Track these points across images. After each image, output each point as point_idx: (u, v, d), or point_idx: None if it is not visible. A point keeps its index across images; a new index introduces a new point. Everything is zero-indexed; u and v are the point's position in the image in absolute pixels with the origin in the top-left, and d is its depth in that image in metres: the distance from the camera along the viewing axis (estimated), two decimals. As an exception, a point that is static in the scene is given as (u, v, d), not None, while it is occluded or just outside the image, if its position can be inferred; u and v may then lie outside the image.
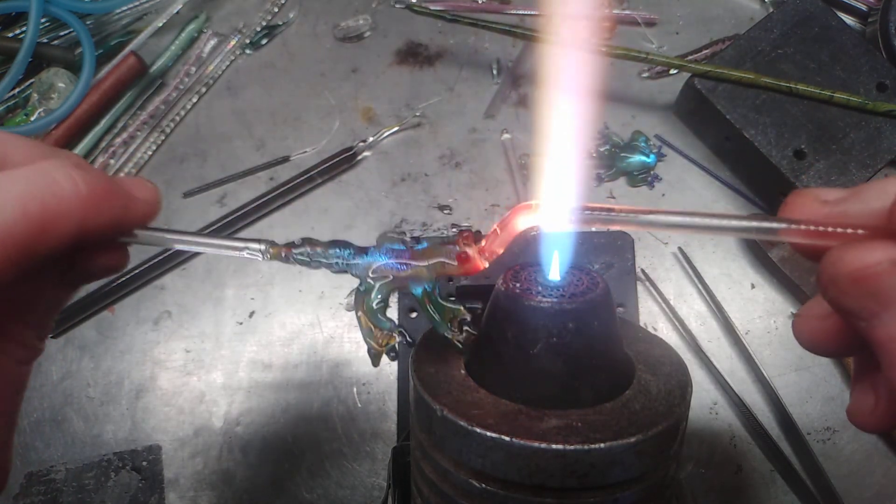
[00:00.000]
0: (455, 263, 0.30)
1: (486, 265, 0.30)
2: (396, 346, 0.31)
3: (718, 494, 0.53)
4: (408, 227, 0.60)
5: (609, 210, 0.26)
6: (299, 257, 0.30)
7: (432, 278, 0.30)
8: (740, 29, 0.61)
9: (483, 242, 0.30)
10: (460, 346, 0.30)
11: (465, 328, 0.30)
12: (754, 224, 0.25)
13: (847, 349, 0.26)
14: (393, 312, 0.57)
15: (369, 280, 0.30)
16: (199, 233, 0.29)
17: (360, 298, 0.30)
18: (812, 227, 0.23)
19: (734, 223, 0.25)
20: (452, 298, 0.31)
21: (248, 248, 0.29)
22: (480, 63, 0.65)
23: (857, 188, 0.24)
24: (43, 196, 0.22)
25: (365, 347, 0.29)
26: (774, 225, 0.24)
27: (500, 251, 0.30)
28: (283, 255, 0.30)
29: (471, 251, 0.30)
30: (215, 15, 0.67)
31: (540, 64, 0.65)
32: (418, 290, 0.30)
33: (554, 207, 0.28)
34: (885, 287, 0.21)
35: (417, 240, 0.30)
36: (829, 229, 0.23)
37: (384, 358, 0.31)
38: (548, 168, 0.30)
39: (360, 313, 0.30)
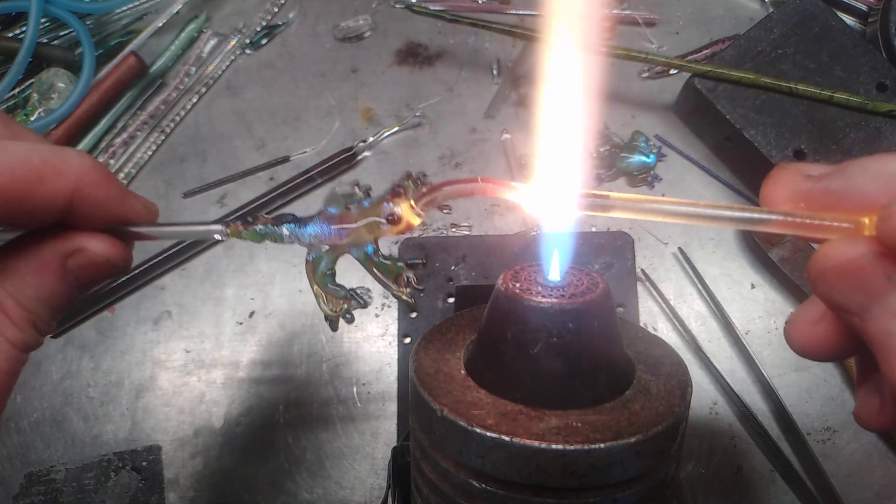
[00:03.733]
0: (386, 213, 0.30)
1: (418, 222, 0.30)
2: (350, 309, 0.32)
3: (718, 494, 0.53)
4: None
5: (596, 196, 0.26)
6: (254, 232, 0.30)
7: (371, 239, 0.31)
8: (740, 29, 0.61)
9: (412, 199, 0.30)
10: (410, 301, 0.31)
11: (411, 284, 0.31)
12: (738, 214, 0.25)
13: (840, 352, 0.26)
14: (393, 312, 0.57)
15: (316, 249, 0.31)
16: (169, 223, 0.30)
17: (310, 267, 0.31)
18: (800, 220, 0.23)
19: (715, 212, 0.25)
20: (393, 257, 0.31)
21: (210, 230, 0.30)
22: (480, 63, 0.65)
23: (842, 165, 0.24)
24: (48, 154, 0.25)
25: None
26: (764, 216, 0.24)
27: (433, 207, 0.30)
28: (239, 230, 0.30)
29: (400, 209, 0.30)
30: (215, 15, 0.67)
31: (540, 64, 0.65)
32: (359, 255, 0.31)
33: (539, 193, 0.28)
34: (871, 279, 0.21)
35: (368, 193, 0.31)
36: (817, 221, 0.23)
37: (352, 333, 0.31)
38: (546, 165, 0.30)
39: (311, 279, 0.31)
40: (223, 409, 0.56)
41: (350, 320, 0.32)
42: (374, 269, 0.31)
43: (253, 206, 0.59)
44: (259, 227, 0.30)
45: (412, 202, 0.29)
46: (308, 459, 0.54)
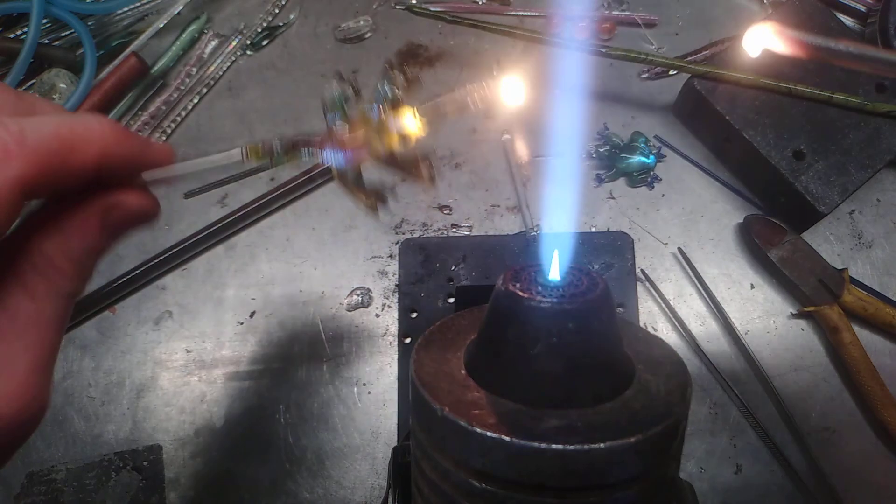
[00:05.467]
0: (396, 129, 0.33)
1: (424, 131, 0.33)
2: (383, 198, 0.35)
3: (718, 494, 0.53)
4: (408, 226, 0.60)
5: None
6: (275, 155, 0.34)
7: (384, 147, 0.34)
8: (740, 30, 0.61)
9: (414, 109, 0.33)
10: (432, 183, 0.34)
11: (431, 168, 0.34)
12: None
13: None
14: (393, 312, 0.57)
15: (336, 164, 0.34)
16: (188, 160, 0.33)
17: (339, 176, 0.34)
18: None
19: None
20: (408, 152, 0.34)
21: (228, 155, 0.34)
22: (481, 64, 0.66)
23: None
24: (73, 125, 0.27)
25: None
26: None
27: (436, 116, 0.33)
28: (263, 149, 0.34)
29: (406, 122, 0.33)
30: (216, 16, 0.68)
31: (540, 65, 0.65)
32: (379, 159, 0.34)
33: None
34: None
35: (355, 89, 0.34)
36: None
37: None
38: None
39: (345, 187, 0.34)
40: (224, 408, 0.56)
41: (385, 201, 0.35)
42: (396, 166, 0.34)
43: (254, 206, 0.59)
44: (277, 150, 0.33)
45: (414, 113, 0.32)
46: (308, 459, 0.54)
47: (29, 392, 0.28)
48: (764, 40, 0.33)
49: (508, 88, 0.32)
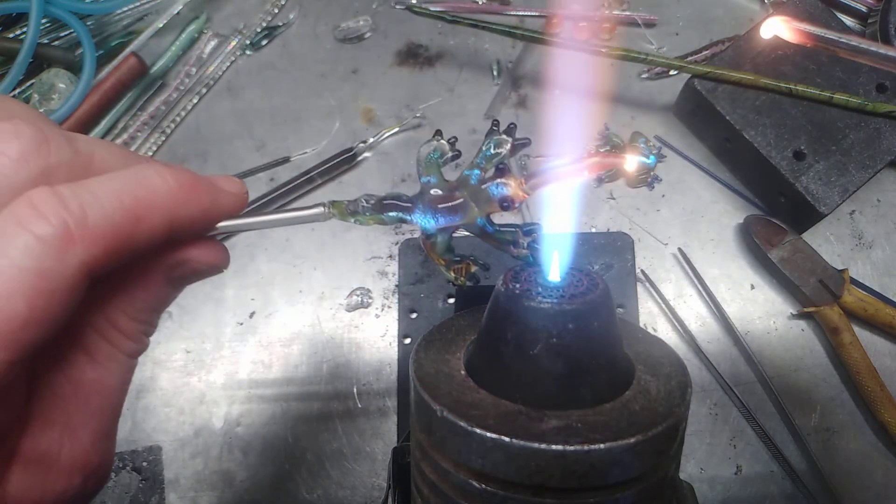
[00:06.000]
0: (497, 200, 0.31)
1: (528, 195, 0.31)
2: (476, 272, 0.33)
3: (718, 494, 0.53)
4: (408, 226, 0.60)
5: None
6: (360, 215, 0.31)
7: (482, 216, 0.31)
8: (740, 30, 0.61)
9: (518, 179, 0.31)
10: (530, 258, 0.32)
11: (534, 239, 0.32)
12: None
13: None
14: (393, 313, 0.57)
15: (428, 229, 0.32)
16: (269, 211, 0.31)
17: (428, 245, 0.32)
18: None
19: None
20: (509, 225, 0.32)
21: (312, 214, 0.31)
22: (481, 64, 0.66)
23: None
24: (136, 191, 0.24)
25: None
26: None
27: (539, 188, 0.31)
28: (347, 209, 0.31)
29: (510, 191, 0.30)
30: (216, 16, 0.68)
31: (540, 65, 0.65)
32: (472, 229, 0.32)
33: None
34: None
35: (454, 145, 0.31)
36: None
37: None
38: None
39: (432, 255, 0.32)
40: (223, 409, 0.56)
41: (478, 281, 0.33)
42: (490, 239, 0.32)
43: (254, 206, 0.59)
44: (364, 210, 0.31)
45: (521, 184, 0.30)
46: (308, 460, 0.54)
47: (94, 461, 0.27)
48: (777, 30, 0.36)
49: (628, 162, 0.30)
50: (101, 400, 0.27)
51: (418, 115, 0.63)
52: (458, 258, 0.33)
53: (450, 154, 0.32)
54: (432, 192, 0.31)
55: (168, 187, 0.25)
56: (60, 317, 0.23)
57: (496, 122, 0.32)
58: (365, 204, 0.31)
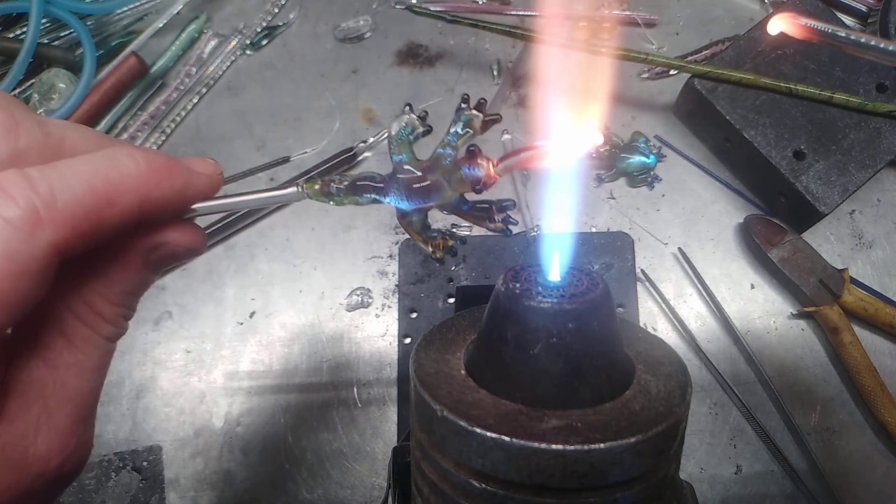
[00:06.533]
0: (470, 180, 0.30)
1: (499, 177, 0.31)
2: (453, 245, 0.33)
3: (718, 494, 0.53)
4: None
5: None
6: (335, 196, 0.31)
7: (456, 195, 0.31)
8: (740, 30, 0.61)
9: (491, 160, 0.30)
10: (509, 231, 0.32)
11: (509, 218, 0.32)
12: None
13: None
14: (393, 313, 0.57)
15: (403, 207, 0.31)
16: (244, 193, 0.30)
17: (405, 223, 0.32)
18: None
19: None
20: (482, 202, 0.32)
21: (284, 194, 0.31)
22: (480, 64, 0.66)
23: None
24: (106, 173, 0.24)
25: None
26: None
27: (511, 171, 0.30)
28: (321, 190, 0.31)
29: (482, 173, 0.30)
30: (216, 16, 0.68)
31: (540, 65, 0.65)
32: (447, 207, 0.32)
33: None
34: None
35: (424, 119, 0.31)
36: None
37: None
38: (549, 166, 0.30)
39: (410, 233, 0.32)
40: (223, 409, 0.56)
41: (454, 254, 0.33)
42: (465, 215, 0.32)
43: (253, 206, 0.59)
44: (338, 191, 0.31)
45: (492, 165, 0.30)
46: (308, 459, 0.54)
47: (70, 444, 0.27)
48: (783, 26, 0.36)
49: (585, 139, 0.29)
50: (78, 383, 0.27)
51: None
52: (434, 234, 0.33)
53: (421, 129, 0.31)
54: (405, 168, 0.31)
55: (139, 169, 0.25)
56: (30, 299, 0.23)
57: (466, 98, 0.31)
58: (338, 185, 0.31)
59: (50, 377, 0.26)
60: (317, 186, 0.31)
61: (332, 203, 0.31)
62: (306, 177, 0.31)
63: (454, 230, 0.34)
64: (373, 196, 0.31)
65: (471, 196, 0.31)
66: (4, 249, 0.22)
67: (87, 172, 0.24)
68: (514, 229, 0.32)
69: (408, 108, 0.32)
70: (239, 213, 0.59)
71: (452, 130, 0.31)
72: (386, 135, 0.62)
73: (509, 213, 0.32)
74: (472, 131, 0.31)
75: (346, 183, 0.31)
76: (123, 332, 0.29)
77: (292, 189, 0.30)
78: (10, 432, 0.25)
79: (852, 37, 0.37)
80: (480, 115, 0.31)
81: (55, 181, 0.23)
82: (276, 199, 0.31)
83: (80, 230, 0.23)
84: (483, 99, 0.31)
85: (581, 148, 0.29)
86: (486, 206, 0.31)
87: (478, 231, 0.60)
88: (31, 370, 0.26)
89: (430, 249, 0.33)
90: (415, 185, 0.30)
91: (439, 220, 0.58)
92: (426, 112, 0.32)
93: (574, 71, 0.32)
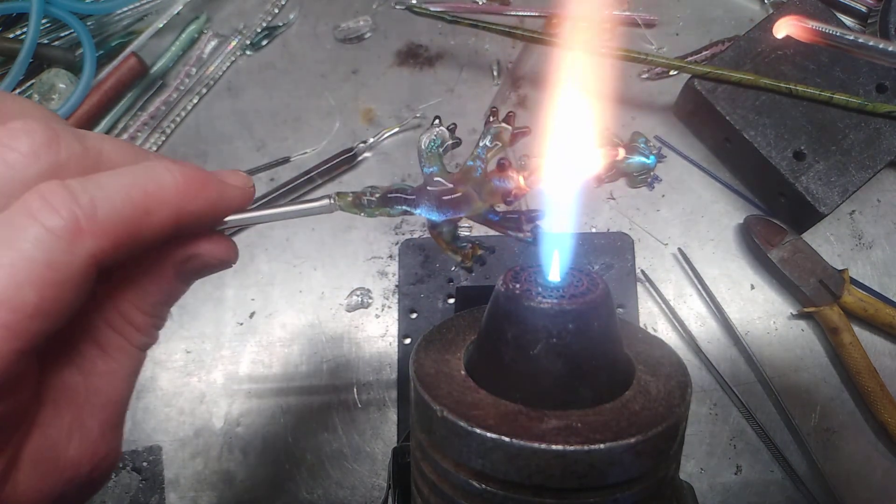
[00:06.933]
0: (500, 192, 0.31)
1: (529, 189, 0.31)
2: (482, 255, 0.33)
3: (718, 494, 0.53)
4: (408, 227, 0.60)
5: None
6: (367, 208, 0.31)
7: (486, 207, 0.32)
8: (740, 30, 0.61)
9: (521, 171, 0.31)
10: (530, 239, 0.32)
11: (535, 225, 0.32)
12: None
13: None
14: (393, 313, 0.57)
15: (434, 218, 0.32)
16: (276, 205, 0.31)
17: (435, 234, 0.32)
18: None
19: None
20: (513, 211, 0.32)
21: (318, 206, 0.31)
22: (480, 64, 0.66)
23: None
24: (145, 185, 0.25)
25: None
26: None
27: (540, 181, 0.31)
28: (353, 202, 0.31)
29: (512, 185, 0.31)
30: (216, 16, 0.68)
31: (540, 65, 0.65)
32: (477, 218, 0.32)
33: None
34: None
35: (453, 131, 0.31)
36: None
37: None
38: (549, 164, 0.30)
39: (439, 243, 0.33)
40: (223, 409, 0.56)
41: (483, 263, 0.34)
42: (494, 226, 0.32)
43: (255, 205, 0.59)
44: (370, 203, 0.31)
45: (523, 178, 0.30)
46: (308, 460, 0.54)
47: (100, 451, 0.27)
48: (789, 29, 0.37)
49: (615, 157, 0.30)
50: (111, 391, 0.28)
51: (418, 115, 0.63)
52: (464, 244, 0.34)
53: (450, 141, 0.32)
54: (436, 181, 0.31)
55: (176, 182, 0.26)
56: (69, 307, 0.23)
57: (495, 111, 0.32)
58: (370, 197, 0.31)
59: (83, 385, 0.27)
60: (349, 199, 0.31)
61: (363, 215, 0.32)
62: (337, 191, 0.31)
63: (479, 241, 0.35)
64: (404, 207, 0.31)
65: (500, 206, 0.32)
66: (47, 258, 0.22)
67: (126, 185, 0.24)
68: (517, 215, 0.33)
69: (437, 120, 0.32)
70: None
71: (482, 143, 0.31)
72: (387, 135, 0.62)
73: (537, 222, 0.32)
74: (500, 144, 0.31)
75: (377, 195, 0.31)
76: (154, 342, 0.30)
77: (325, 201, 0.31)
78: (43, 438, 0.25)
79: (860, 40, 0.37)
80: (510, 128, 0.31)
81: (96, 193, 0.24)
82: (308, 211, 0.31)
83: (119, 241, 0.24)
84: (511, 112, 0.32)
85: (598, 165, 0.30)
86: (515, 216, 0.32)
87: (478, 231, 0.60)
88: (65, 377, 0.27)
89: (460, 259, 0.33)
90: (445, 197, 0.31)
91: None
92: (455, 125, 0.32)
93: (577, 73, 0.33)
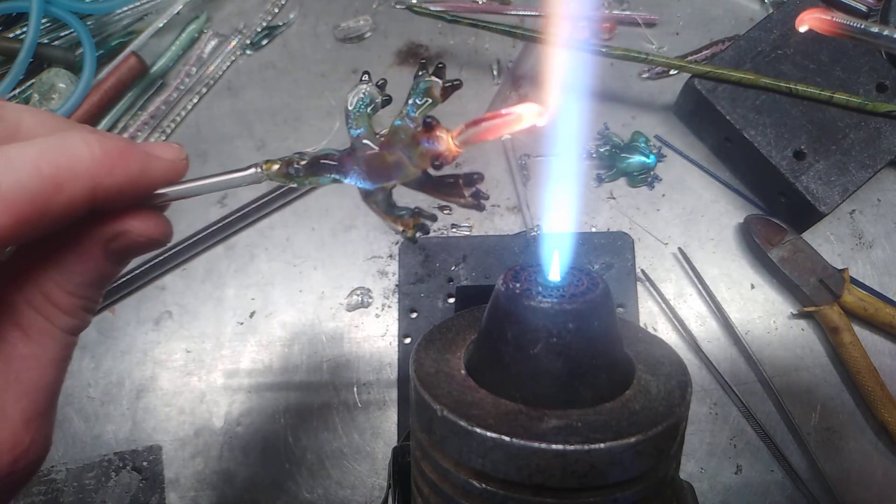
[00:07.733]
0: (429, 154, 0.28)
1: (460, 150, 0.29)
2: (423, 223, 0.31)
3: (718, 494, 0.53)
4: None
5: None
6: (295, 177, 0.29)
7: (419, 172, 0.29)
8: (740, 30, 0.61)
9: (450, 131, 0.29)
10: (481, 207, 0.30)
11: (480, 192, 0.30)
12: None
13: None
14: (393, 313, 0.57)
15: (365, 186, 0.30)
16: (204, 177, 0.29)
17: (370, 202, 0.30)
18: None
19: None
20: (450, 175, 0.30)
21: (244, 176, 0.29)
22: (481, 64, 0.66)
23: None
24: (56, 158, 0.23)
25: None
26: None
27: (471, 144, 0.28)
28: (281, 171, 0.29)
29: (442, 146, 0.28)
30: (216, 15, 0.67)
31: (540, 64, 0.65)
32: (411, 183, 0.30)
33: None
34: None
35: (383, 87, 0.29)
36: None
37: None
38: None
39: (376, 212, 0.31)
40: (223, 409, 0.56)
41: (427, 232, 0.32)
42: (431, 192, 0.30)
43: (253, 205, 0.59)
44: (297, 172, 0.29)
45: (451, 138, 0.28)
46: (308, 459, 0.54)
47: (23, 441, 0.25)
48: (811, 22, 0.37)
49: (543, 110, 0.28)
50: (34, 377, 0.26)
51: (418, 114, 0.63)
52: (402, 212, 0.31)
53: (380, 100, 0.30)
54: (364, 142, 0.29)
55: (92, 154, 0.24)
56: None
57: (423, 63, 0.29)
58: (298, 165, 0.29)
59: (4, 370, 0.25)
60: (276, 167, 0.29)
61: (294, 185, 0.30)
62: (266, 160, 0.29)
63: (420, 209, 0.32)
64: (333, 176, 0.29)
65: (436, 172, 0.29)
66: None
67: (34, 156, 0.23)
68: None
69: (366, 76, 0.29)
70: (240, 213, 0.59)
71: (411, 101, 0.29)
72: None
73: (479, 186, 0.29)
74: (431, 100, 0.29)
75: (304, 162, 0.29)
76: (85, 325, 0.28)
77: (252, 170, 0.29)
78: None
79: (885, 32, 0.37)
80: (440, 82, 0.29)
81: None
82: (236, 181, 0.29)
83: (24, 217, 0.22)
84: (441, 63, 0.29)
85: (537, 119, 0.27)
86: (452, 180, 0.29)
87: (478, 231, 0.60)
88: None
89: (401, 229, 0.31)
90: (375, 163, 0.29)
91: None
92: (384, 80, 0.30)
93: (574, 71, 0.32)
